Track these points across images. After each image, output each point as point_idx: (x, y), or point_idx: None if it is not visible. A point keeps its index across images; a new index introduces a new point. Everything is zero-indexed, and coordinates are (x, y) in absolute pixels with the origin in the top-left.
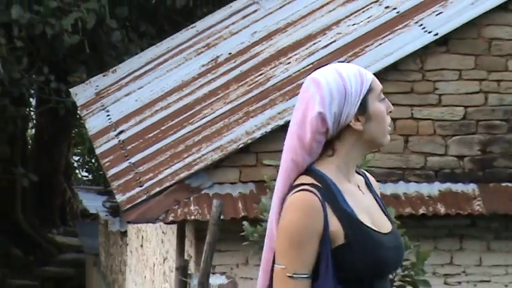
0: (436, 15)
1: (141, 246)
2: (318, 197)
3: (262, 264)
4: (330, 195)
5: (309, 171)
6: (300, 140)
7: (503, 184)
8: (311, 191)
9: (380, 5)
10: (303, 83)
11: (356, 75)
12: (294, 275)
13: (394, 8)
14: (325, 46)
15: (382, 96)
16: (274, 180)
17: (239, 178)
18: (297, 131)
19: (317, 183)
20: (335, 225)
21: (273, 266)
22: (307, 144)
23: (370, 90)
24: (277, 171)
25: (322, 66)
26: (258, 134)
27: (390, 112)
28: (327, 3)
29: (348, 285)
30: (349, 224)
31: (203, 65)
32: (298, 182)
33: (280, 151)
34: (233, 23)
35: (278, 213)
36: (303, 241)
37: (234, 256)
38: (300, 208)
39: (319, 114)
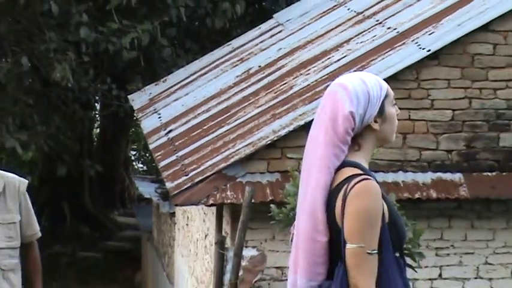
0: (429, 34)
1: (187, 224)
2: (378, 184)
3: (303, 238)
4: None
5: (349, 164)
6: (337, 136)
7: (485, 173)
8: (371, 179)
9: (383, 26)
10: (320, 90)
11: (376, 83)
12: (373, 252)
13: (395, 29)
14: (338, 60)
15: (394, 101)
16: (296, 170)
17: (267, 169)
18: (333, 128)
19: (367, 173)
20: (384, 206)
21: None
22: (344, 139)
23: (386, 96)
24: (299, 164)
25: (337, 77)
26: (282, 133)
27: (397, 114)
28: (339, 25)
29: (394, 254)
30: (390, 205)
31: (237, 76)
32: (351, 173)
33: (301, 146)
34: (262, 41)
35: (323, 202)
36: (376, 221)
37: (263, 233)
38: (370, 194)
39: (350, 113)
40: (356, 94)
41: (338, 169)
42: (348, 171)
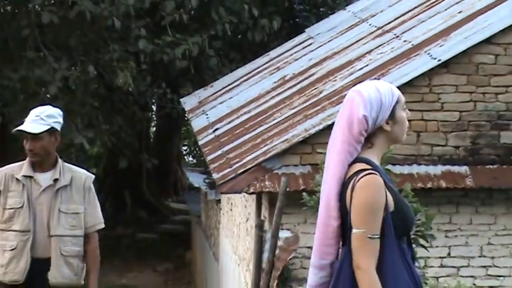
0: (440, 46)
1: (231, 210)
2: (381, 178)
3: (319, 223)
4: (382, 176)
5: (360, 160)
6: (352, 136)
7: (487, 166)
8: (376, 174)
9: (399, 39)
10: (345, 94)
11: (388, 91)
12: (373, 236)
13: (410, 42)
14: (361, 68)
15: (405, 106)
16: (324, 163)
17: (300, 162)
18: (349, 129)
19: (374, 168)
20: (389, 197)
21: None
22: (357, 138)
23: (397, 101)
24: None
25: (360, 83)
26: (313, 131)
27: (408, 117)
28: (362, 38)
29: (397, 240)
30: (395, 196)
31: (274, 82)
32: (359, 168)
33: (322, 143)
34: (295, 52)
35: (337, 192)
36: (378, 210)
37: (296, 217)
38: (373, 186)
39: (364, 117)
40: (370, 100)
41: (351, 164)
42: (358, 166)
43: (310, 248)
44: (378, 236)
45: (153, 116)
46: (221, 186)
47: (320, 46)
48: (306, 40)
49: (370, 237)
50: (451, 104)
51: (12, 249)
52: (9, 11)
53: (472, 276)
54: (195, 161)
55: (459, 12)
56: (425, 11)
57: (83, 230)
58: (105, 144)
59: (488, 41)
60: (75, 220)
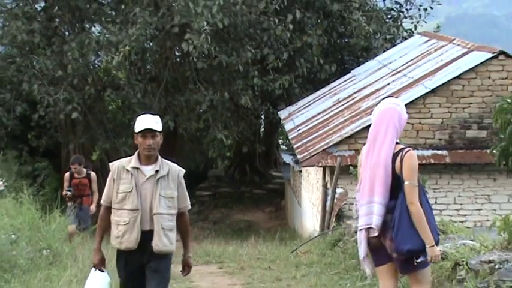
0: (430, 80)
1: (307, 176)
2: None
3: (373, 178)
4: None
5: (398, 143)
6: (398, 130)
7: (458, 150)
8: (412, 149)
9: (406, 76)
10: (374, 108)
11: (402, 105)
12: (416, 184)
13: (412, 78)
14: (382, 94)
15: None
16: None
17: (347, 148)
18: (394, 125)
19: (409, 147)
20: None
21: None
22: (400, 132)
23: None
24: (363, 145)
25: (382, 103)
26: (355, 131)
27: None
28: (383, 76)
29: (422, 187)
30: None
31: (332, 102)
32: (401, 147)
33: (364, 137)
34: (345, 84)
35: (391, 160)
36: (417, 170)
37: (345, 180)
38: (415, 156)
39: (407, 118)
40: (403, 109)
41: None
42: (399, 146)
43: (354, 199)
44: (417, 185)
45: (262, 122)
46: (302, 162)
47: (359, 81)
48: (351, 77)
49: (415, 186)
50: (437, 114)
51: (125, 224)
52: (178, 61)
53: (449, 215)
54: (286, 148)
55: (441, 60)
56: (421, 59)
57: (177, 210)
58: (235, 138)
59: (458, 77)
60: (170, 202)
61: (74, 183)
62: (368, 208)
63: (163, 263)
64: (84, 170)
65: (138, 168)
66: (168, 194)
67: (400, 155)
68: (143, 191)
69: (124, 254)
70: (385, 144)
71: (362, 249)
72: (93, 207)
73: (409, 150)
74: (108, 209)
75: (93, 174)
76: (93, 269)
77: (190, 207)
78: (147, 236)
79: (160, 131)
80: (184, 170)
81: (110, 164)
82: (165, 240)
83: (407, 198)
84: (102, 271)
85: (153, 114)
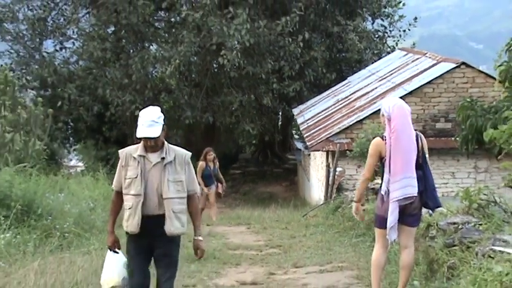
0: (408, 84)
1: (315, 158)
2: None
3: (407, 158)
4: None
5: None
6: (411, 119)
7: (429, 138)
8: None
9: (390, 81)
10: (365, 107)
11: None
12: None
13: (394, 82)
14: (372, 96)
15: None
16: (357, 138)
17: (345, 137)
18: (410, 116)
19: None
20: None
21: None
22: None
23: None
24: (357, 136)
25: (372, 103)
26: (351, 123)
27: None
28: (372, 82)
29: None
30: None
31: (333, 102)
32: (416, 131)
33: (359, 129)
34: (341, 87)
35: (416, 145)
36: None
37: (343, 161)
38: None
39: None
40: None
41: None
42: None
43: (351, 175)
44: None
45: (280, 117)
46: (310, 148)
47: (354, 86)
48: (347, 83)
49: (429, 158)
50: (413, 110)
51: (129, 208)
52: (216, 71)
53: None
54: (298, 137)
55: (417, 69)
56: (401, 69)
57: (186, 193)
58: (259, 130)
59: (430, 82)
60: (179, 186)
61: None
62: (404, 182)
63: (172, 246)
64: None
65: (144, 156)
66: (176, 179)
67: (419, 136)
68: (150, 177)
69: (133, 237)
70: (412, 131)
71: (394, 217)
72: None
73: (421, 134)
74: (118, 194)
75: None
76: (109, 250)
77: (198, 191)
78: (155, 220)
79: (161, 130)
80: (190, 153)
81: (120, 151)
82: (176, 223)
83: (427, 167)
84: (117, 252)
85: (156, 108)
